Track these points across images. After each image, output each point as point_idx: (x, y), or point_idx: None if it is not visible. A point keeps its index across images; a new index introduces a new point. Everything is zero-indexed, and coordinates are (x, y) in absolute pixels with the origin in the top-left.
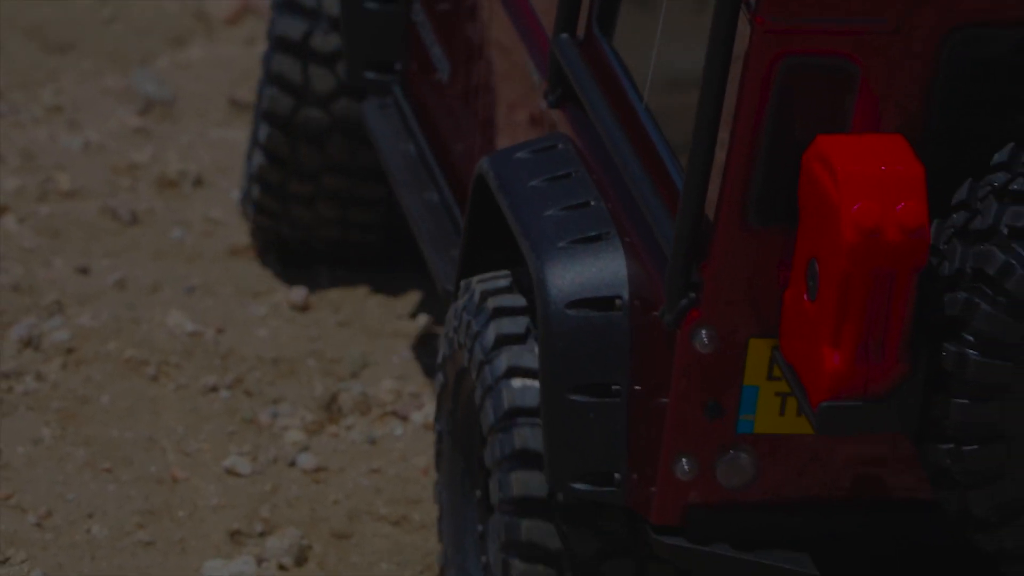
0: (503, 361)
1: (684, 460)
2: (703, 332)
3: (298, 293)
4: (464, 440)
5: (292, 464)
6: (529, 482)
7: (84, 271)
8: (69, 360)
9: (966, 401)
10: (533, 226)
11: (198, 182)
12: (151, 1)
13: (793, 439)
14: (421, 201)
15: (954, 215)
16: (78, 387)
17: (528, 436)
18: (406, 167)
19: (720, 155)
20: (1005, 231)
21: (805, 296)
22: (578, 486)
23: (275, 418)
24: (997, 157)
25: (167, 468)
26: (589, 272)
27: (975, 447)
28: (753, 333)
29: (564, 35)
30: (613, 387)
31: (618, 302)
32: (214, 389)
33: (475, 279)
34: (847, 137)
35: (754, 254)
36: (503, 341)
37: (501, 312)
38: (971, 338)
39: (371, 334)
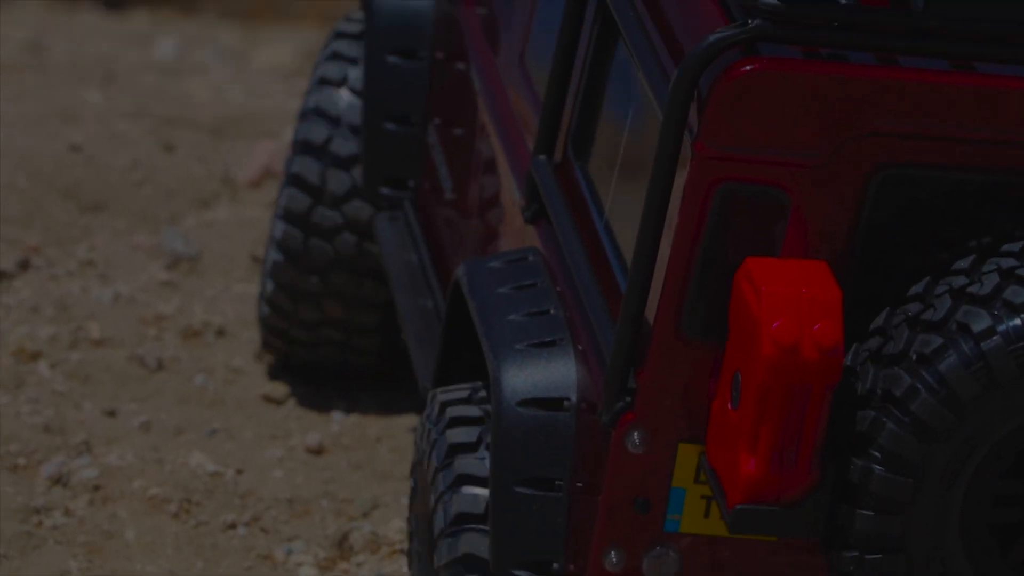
0: (454, 469)
1: (613, 552)
2: (635, 434)
3: (313, 438)
4: (429, 542)
5: None
6: None
7: (112, 414)
8: (96, 497)
9: (870, 513)
10: (495, 328)
11: (221, 333)
12: (179, 166)
13: (717, 540)
14: (415, 305)
15: (870, 340)
16: (104, 523)
17: (474, 541)
18: (407, 274)
19: (660, 270)
20: (914, 356)
21: (729, 405)
22: (519, 573)
23: (289, 555)
24: (913, 289)
25: None
26: (541, 374)
27: (878, 556)
28: (683, 438)
29: (541, 156)
30: (556, 482)
31: (566, 403)
32: (232, 526)
33: (438, 390)
34: (774, 260)
35: (686, 364)
36: (456, 450)
37: (457, 422)
38: (877, 454)
39: (381, 477)
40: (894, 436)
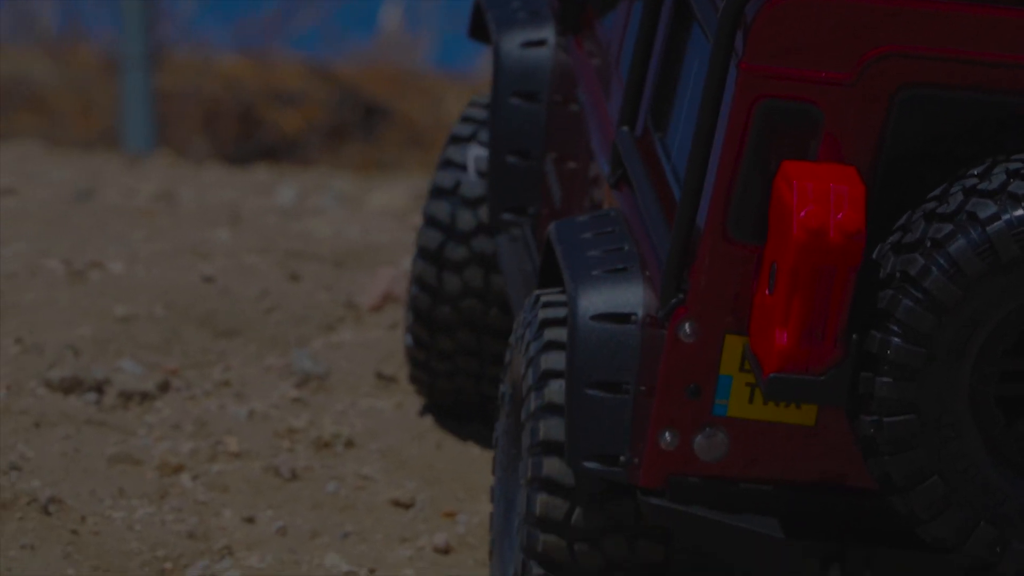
0: (542, 363)
1: (668, 433)
2: (687, 325)
3: (440, 538)
4: (515, 435)
5: None
6: (551, 466)
7: (251, 520)
8: None
9: (888, 380)
10: (575, 261)
11: (349, 444)
12: (305, 294)
13: (760, 424)
14: (525, 300)
15: (892, 236)
16: None
17: (555, 429)
18: (521, 278)
19: (709, 180)
20: (928, 243)
21: (767, 292)
22: (589, 465)
23: None
24: (932, 194)
25: None
26: (612, 293)
27: (895, 419)
28: (729, 330)
29: (624, 128)
30: (623, 385)
31: (632, 318)
32: None
33: (538, 292)
34: (807, 163)
35: (732, 263)
36: (548, 347)
37: (549, 323)
38: (895, 327)
39: None
40: (909, 310)
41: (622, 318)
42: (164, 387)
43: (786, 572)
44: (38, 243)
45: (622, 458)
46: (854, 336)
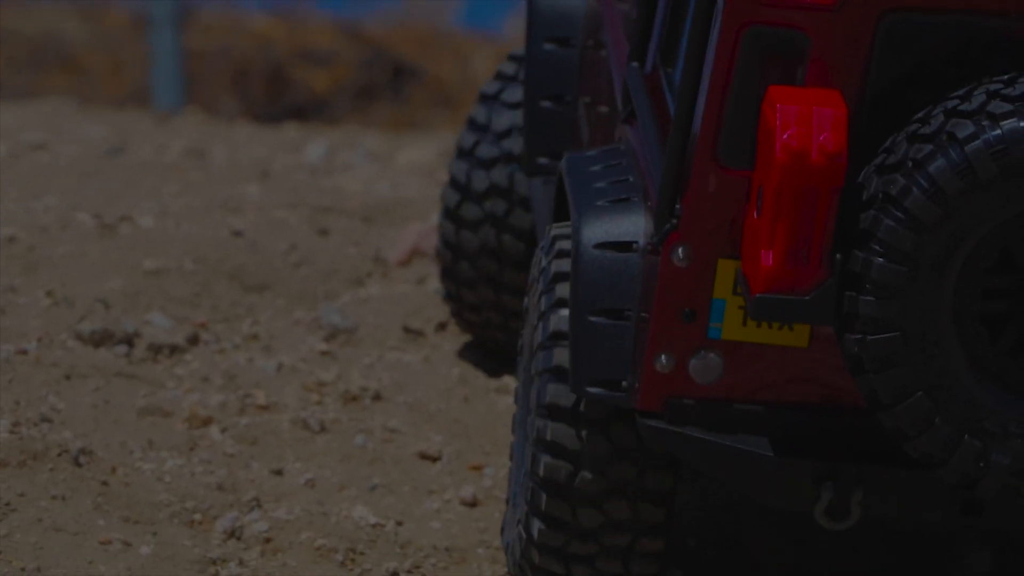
0: (555, 293)
1: (664, 356)
2: (680, 250)
3: (467, 490)
4: (528, 390)
5: None
6: (557, 392)
7: (279, 472)
8: (267, 548)
9: (871, 298)
10: (581, 192)
11: (377, 397)
12: (334, 248)
13: (754, 346)
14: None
15: (876, 158)
16: (275, 572)
17: (564, 356)
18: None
19: (699, 108)
20: (910, 163)
21: (754, 215)
22: (593, 390)
23: None
24: (916, 115)
25: None
26: (614, 222)
27: (878, 337)
28: (722, 254)
29: (634, 64)
30: (625, 312)
31: (634, 246)
32: (395, 574)
33: (553, 225)
34: (793, 88)
35: (723, 188)
36: (559, 277)
37: (564, 253)
38: (877, 247)
39: None
40: (891, 230)
41: (624, 246)
42: (193, 340)
43: (780, 491)
44: (69, 197)
45: (624, 383)
46: (838, 256)
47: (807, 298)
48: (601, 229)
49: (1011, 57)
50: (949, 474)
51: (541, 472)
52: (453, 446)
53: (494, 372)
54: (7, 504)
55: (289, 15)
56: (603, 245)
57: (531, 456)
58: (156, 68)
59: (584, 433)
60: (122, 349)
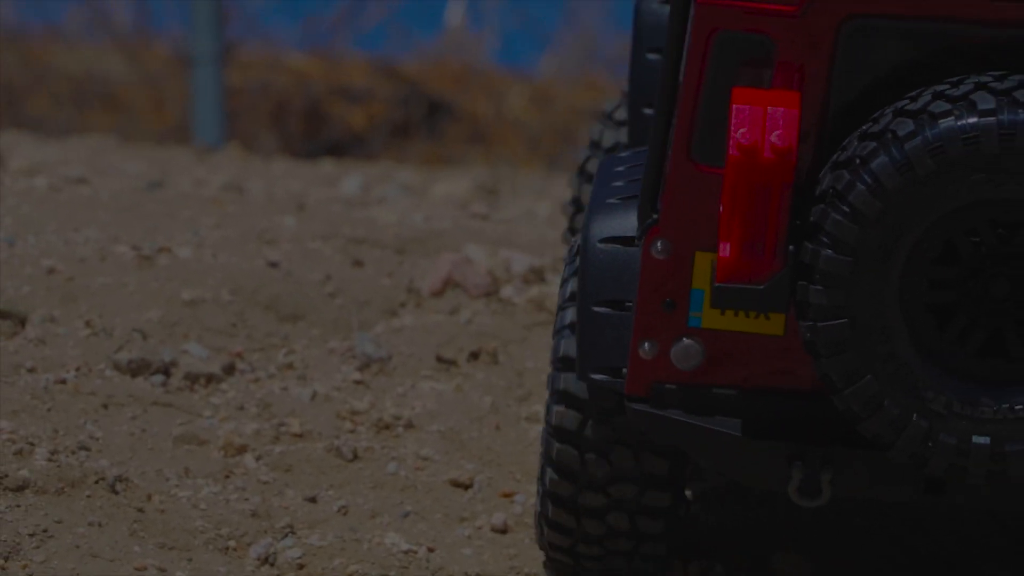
0: (570, 286)
1: (647, 344)
2: (659, 243)
3: (498, 518)
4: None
5: None
6: (567, 381)
7: (313, 500)
8: (300, 575)
9: (820, 287)
10: (599, 192)
11: (410, 425)
12: (368, 279)
13: (731, 334)
14: None
15: (833, 156)
16: None
17: (572, 344)
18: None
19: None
20: (857, 161)
21: (720, 210)
22: (596, 377)
23: None
24: (873, 115)
25: None
26: (620, 219)
27: (828, 323)
28: (699, 247)
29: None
30: (627, 303)
31: (637, 241)
32: None
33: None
34: (754, 90)
35: (697, 185)
36: (576, 273)
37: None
38: (824, 239)
39: None
40: (837, 223)
41: (628, 241)
42: (229, 369)
43: (755, 470)
44: (109, 230)
45: (624, 370)
46: (791, 248)
47: (762, 287)
48: (608, 224)
49: (970, 61)
50: (899, 454)
51: (552, 455)
52: (484, 474)
53: (525, 400)
54: (45, 531)
55: (327, 53)
56: (608, 239)
57: (543, 439)
58: (197, 105)
59: (590, 421)
60: (159, 378)
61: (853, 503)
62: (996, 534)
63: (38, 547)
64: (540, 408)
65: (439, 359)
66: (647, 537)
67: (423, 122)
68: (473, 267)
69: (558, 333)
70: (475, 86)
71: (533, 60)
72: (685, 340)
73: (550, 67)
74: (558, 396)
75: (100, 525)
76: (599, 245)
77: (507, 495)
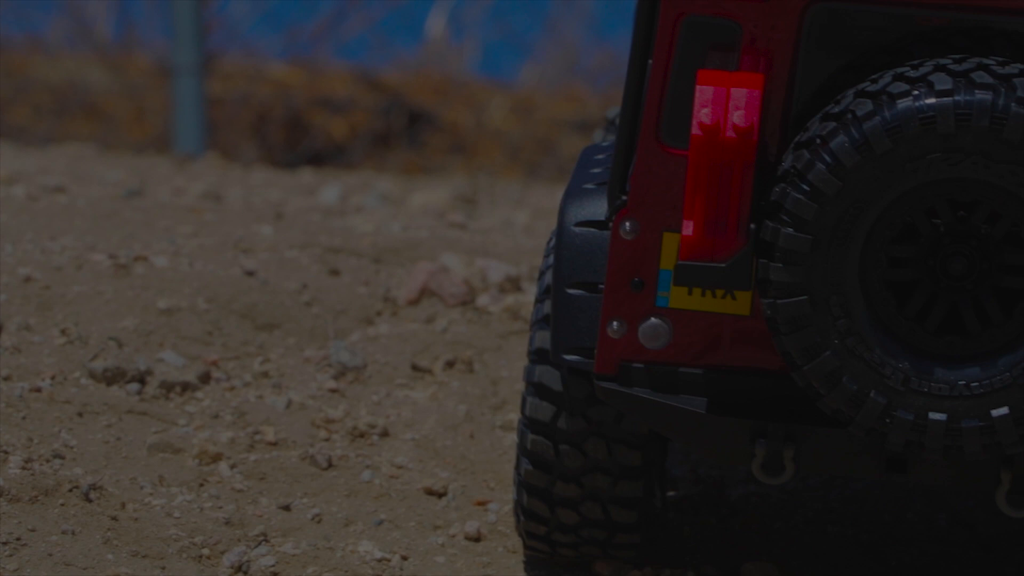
0: (546, 279)
1: (616, 323)
2: (627, 223)
3: (471, 526)
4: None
5: None
6: (542, 372)
7: (287, 508)
8: None
9: (780, 265)
10: (577, 178)
11: (384, 434)
12: (344, 288)
13: (699, 314)
14: None
15: (797, 136)
16: None
17: (547, 337)
18: None
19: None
20: (817, 141)
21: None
22: (569, 357)
23: None
24: (837, 96)
25: None
26: (595, 203)
27: (787, 301)
28: (667, 227)
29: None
30: (599, 285)
31: (607, 222)
32: None
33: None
34: (718, 72)
35: (665, 166)
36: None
37: None
38: (785, 217)
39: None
40: (796, 201)
41: (602, 224)
42: (205, 378)
43: (720, 447)
44: (85, 238)
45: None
46: (753, 227)
47: (724, 265)
48: (582, 209)
49: (933, 45)
50: (857, 429)
51: (527, 446)
52: (459, 482)
53: (499, 409)
54: (18, 539)
55: (308, 63)
56: (582, 223)
57: (519, 430)
58: (178, 115)
59: (564, 412)
60: (134, 387)
61: (829, 513)
62: (971, 544)
63: (11, 555)
64: (514, 417)
65: (414, 367)
66: (621, 527)
67: (404, 132)
68: (449, 276)
69: (534, 325)
70: (456, 96)
71: (514, 71)
72: (653, 319)
73: (531, 77)
74: (533, 388)
75: (74, 533)
76: (574, 228)
77: (481, 503)
